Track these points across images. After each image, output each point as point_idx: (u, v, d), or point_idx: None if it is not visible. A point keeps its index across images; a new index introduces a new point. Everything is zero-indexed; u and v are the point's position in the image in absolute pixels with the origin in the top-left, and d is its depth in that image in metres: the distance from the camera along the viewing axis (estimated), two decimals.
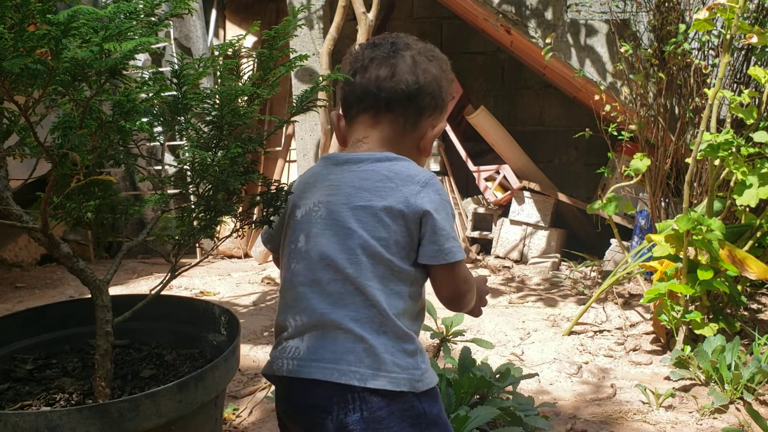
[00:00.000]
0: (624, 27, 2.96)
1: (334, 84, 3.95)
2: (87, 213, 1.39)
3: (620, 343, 2.46)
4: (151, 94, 1.37)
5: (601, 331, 2.60)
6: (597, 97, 2.83)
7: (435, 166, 4.03)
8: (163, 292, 1.51)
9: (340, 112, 1.12)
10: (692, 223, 2.10)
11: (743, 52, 2.72)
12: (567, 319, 2.72)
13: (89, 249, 3.87)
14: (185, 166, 1.46)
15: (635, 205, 3.30)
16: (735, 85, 2.74)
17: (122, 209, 1.47)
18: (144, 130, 1.43)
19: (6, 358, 1.52)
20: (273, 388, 2.04)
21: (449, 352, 1.96)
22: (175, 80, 1.40)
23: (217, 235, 1.61)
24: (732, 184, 2.28)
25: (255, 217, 1.72)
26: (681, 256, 2.22)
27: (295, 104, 1.65)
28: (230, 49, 1.51)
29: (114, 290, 1.60)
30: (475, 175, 4.02)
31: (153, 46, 1.13)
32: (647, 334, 2.53)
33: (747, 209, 2.31)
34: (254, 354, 2.38)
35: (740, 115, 2.16)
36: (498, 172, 3.95)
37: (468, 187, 4.41)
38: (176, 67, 1.40)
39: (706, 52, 2.74)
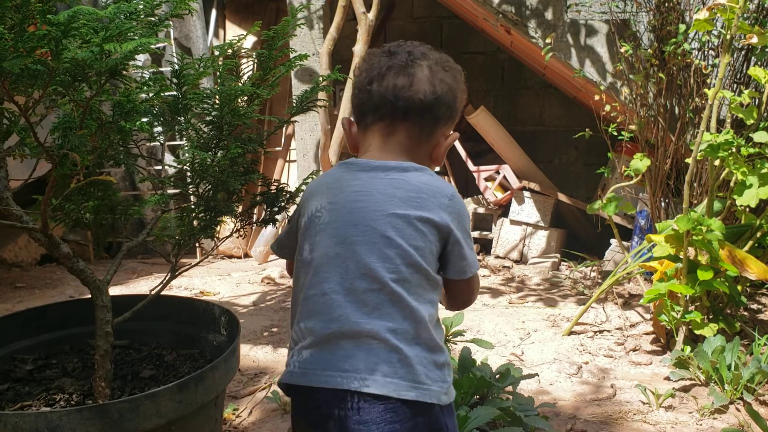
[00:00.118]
0: (624, 27, 2.96)
1: (335, 84, 3.96)
2: (86, 214, 1.39)
3: (620, 344, 2.46)
4: (151, 95, 1.37)
5: (601, 332, 2.60)
6: (597, 97, 2.83)
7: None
8: (163, 292, 1.51)
9: (352, 118, 1.11)
10: (692, 223, 2.10)
11: (743, 53, 2.72)
12: (567, 320, 2.72)
13: (89, 249, 3.87)
14: (185, 167, 1.46)
15: (635, 206, 3.30)
16: (735, 85, 2.74)
17: (122, 209, 1.47)
18: (144, 130, 1.43)
19: (6, 358, 1.51)
20: (273, 388, 2.04)
21: (449, 353, 1.96)
22: (175, 80, 1.40)
23: (218, 235, 1.61)
24: (732, 184, 2.28)
25: (255, 217, 1.72)
26: (681, 257, 2.22)
27: (295, 104, 1.65)
28: (230, 50, 1.51)
29: (114, 290, 1.60)
30: (475, 175, 4.02)
31: (153, 47, 1.13)
32: (647, 334, 2.53)
33: (747, 209, 2.31)
34: (254, 354, 2.38)
35: (740, 116, 2.16)
36: (498, 172, 3.95)
37: (468, 187, 4.41)
38: (176, 67, 1.40)
39: (706, 53, 2.74)
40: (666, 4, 2.71)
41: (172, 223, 1.55)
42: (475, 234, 3.99)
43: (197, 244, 3.55)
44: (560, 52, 3.07)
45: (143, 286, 3.34)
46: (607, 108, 2.76)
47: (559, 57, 3.07)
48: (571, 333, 2.56)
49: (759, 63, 2.64)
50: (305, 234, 1.05)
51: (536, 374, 2.11)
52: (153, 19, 1.28)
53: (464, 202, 1.13)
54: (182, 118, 1.46)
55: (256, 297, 3.11)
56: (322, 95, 2.66)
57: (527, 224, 3.90)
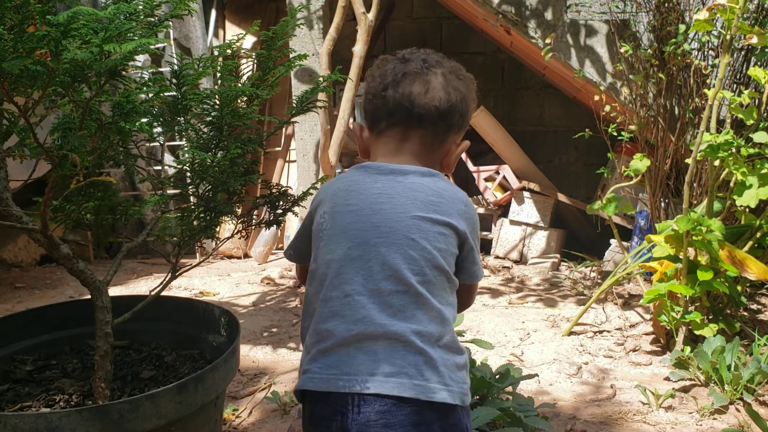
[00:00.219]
0: (624, 27, 2.96)
1: (335, 85, 3.95)
2: (86, 215, 1.39)
3: (620, 344, 2.46)
4: (150, 95, 1.37)
5: (600, 332, 2.60)
6: (597, 98, 2.83)
7: None
8: (162, 293, 1.51)
9: (363, 123, 1.12)
10: (692, 223, 2.10)
11: (743, 53, 2.72)
12: (567, 320, 2.72)
13: (89, 249, 3.87)
14: (185, 167, 1.45)
15: (635, 206, 3.30)
16: (735, 85, 2.73)
17: (122, 210, 1.47)
18: (144, 130, 1.43)
19: (6, 358, 1.51)
20: (273, 388, 2.04)
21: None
22: (174, 81, 1.40)
23: (218, 236, 1.61)
24: (732, 184, 2.28)
25: (256, 218, 1.72)
26: (681, 257, 2.22)
27: (295, 105, 1.65)
28: (229, 50, 1.51)
29: (113, 291, 1.60)
30: (475, 175, 4.02)
31: (153, 47, 1.13)
32: (647, 334, 2.53)
33: (747, 210, 2.31)
34: (254, 354, 2.38)
35: (740, 116, 2.16)
36: (498, 173, 3.95)
37: (468, 188, 4.41)
38: (176, 67, 1.40)
39: (705, 53, 2.74)
40: (666, 5, 2.71)
41: (172, 223, 1.55)
42: None
43: (197, 245, 3.55)
44: (560, 53, 3.07)
45: (143, 286, 3.34)
46: (607, 108, 2.76)
47: (559, 57, 3.07)
48: (570, 333, 2.56)
49: (759, 63, 2.64)
50: (323, 236, 1.04)
51: (536, 375, 2.11)
52: (152, 19, 1.28)
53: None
54: (182, 118, 1.46)
55: (256, 297, 3.11)
56: (321, 96, 2.66)
57: (527, 224, 3.90)
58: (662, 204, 2.91)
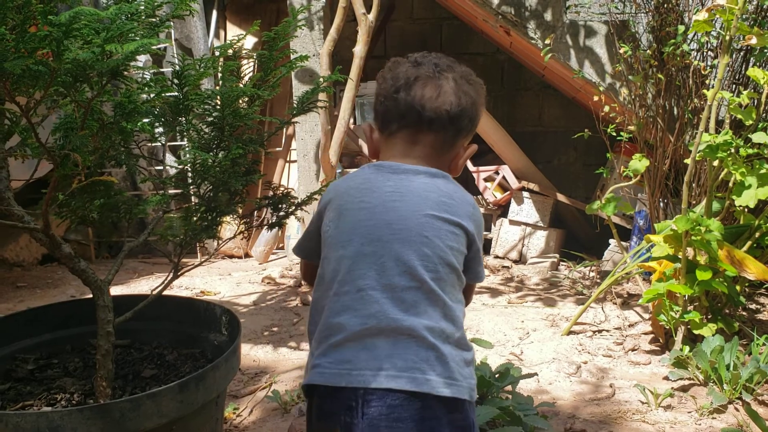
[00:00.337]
0: (623, 28, 2.96)
1: (335, 85, 3.96)
2: (92, 212, 1.39)
3: (619, 343, 2.47)
4: (152, 95, 1.37)
5: (599, 331, 2.60)
6: (596, 98, 2.83)
7: None
8: (164, 292, 1.52)
9: (373, 124, 1.13)
10: (691, 223, 2.11)
11: (742, 54, 2.73)
12: (566, 319, 2.72)
13: (90, 249, 3.87)
14: (187, 167, 1.46)
15: (634, 206, 3.30)
16: (734, 86, 2.74)
17: (125, 209, 1.48)
18: (145, 130, 1.44)
19: (7, 357, 1.52)
20: (274, 387, 2.05)
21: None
22: (176, 81, 1.41)
23: (220, 236, 1.62)
24: (731, 184, 2.28)
25: (258, 219, 1.72)
26: (680, 257, 2.22)
27: (296, 105, 1.66)
28: (230, 50, 1.52)
29: (115, 290, 1.61)
30: (475, 175, 4.02)
31: (154, 47, 1.14)
32: (646, 334, 2.54)
33: (746, 210, 2.32)
34: (255, 353, 2.38)
35: (739, 116, 2.16)
36: (497, 173, 3.95)
37: (467, 188, 4.39)
38: (177, 68, 1.41)
39: (704, 54, 2.74)
40: (665, 6, 2.72)
41: (176, 222, 1.56)
42: None
43: (198, 245, 3.55)
44: (559, 53, 3.08)
45: (144, 285, 3.34)
46: (606, 109, 2.76)
47: (559, 58, 3.08)
48: (570, 333, 2.57)
49: (758, 64, 2.65)
50: (334, 233, 1.05)
51: (535, 374, 2.12)
52: (154, 20, 1.28)
53: None
54: (183, 118, 1.47)
55: (257, 297, 3.12)
56: (322, 96, 2.66)
57: (526, 224, 3.90)
58: (661, 204, 2.91)
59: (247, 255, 4.16)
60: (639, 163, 2.57)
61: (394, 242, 1.00)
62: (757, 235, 2.31)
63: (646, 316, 2.71)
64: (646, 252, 2.54)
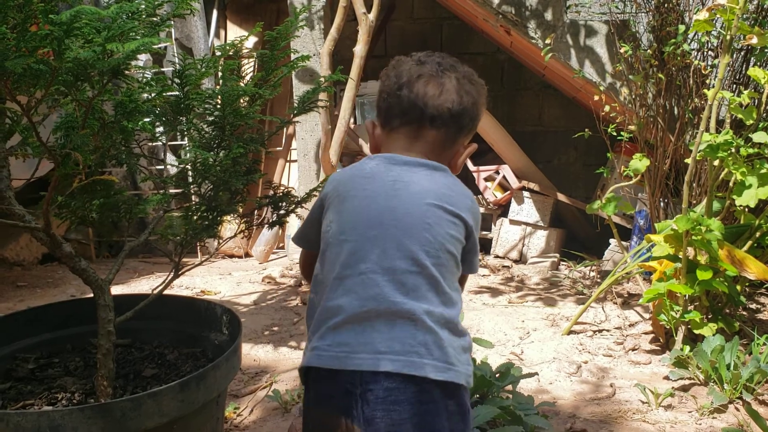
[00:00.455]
0: (623, 28, 2.96)
1: (335, 84, 3.96)
2: (91, 212, 1.39)
3: (619, 343, 2.47)
4: (153, 95, 1.37)
5: (600, 331, 2.60)
6: (596, 98, 2.83)
7: None
8: (164, 292, 1.52)
9: (375, 121, 1.15)
10: (691, 223, 2.11)
11: (743, 53, 2.73)
12: (566, 319, 2.72)
13: (90, 248, 3.87)
14: (187, 166, 1.46)
15: (634, 206, 3.30)
16: (734, 85, 2.74)
17: (126, 209, 1.48)
18: (146, 130, 1.44)
19: (8, 357, 1.52)
20: (274, 387, 2.05)
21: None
22: (177, 80, 1.41)
23: (220, 235, 1.62)
24: (731, 184, 2.28)
25: (259, 218, 1.72)
26: (680, 256, 2.22)
27: (296, 104, 1.66)
28: (232, 50, 1.52)
29: (115, 289, 1.61)
30: (475, 175, 4.02)
31: (155, 47, 1.14)
32: (646, 333, 2.54)
33: (746, 209, 2.32)
34: (255, 353, 2.38)
35: (739, 116, 2.16)
36: (497, 172, 3.95)
37: (467, 187, 4.42)
38: (178, 67, 1.41)
39: (705, 53, 2.74)
40: (665, 5, 2.72)
41: (176, 222, 1.56)
42: None
43: (199, 244, 3.56)
44: (560, 53, 3.08)
45: (144, 285, 3.35)
46: (607, 108, 2.76)
47: (559, 57, 3.08)
48: (570, 332, 2.57)
49: (758, 63, 2.65)
50: (336, 218, 1.06)
51: (536, 373, 2.12)
52: (155, 19, 1.28)
53: None
54: (184, 118, 1.47)
55: (257, 296, 3.11)
56: (323, 96, 2.66)
57: (527, 224, 3.90)
58: (661, 204, 2.91)
59: (247, 254, 4.16)
60: (639, 162, 2.57)
61: (397, 227, 1.02)
62: (757, 234, 2.31)
63: (647, 315, 2.71)
64: (647, 252, 2.54)
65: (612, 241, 3.50)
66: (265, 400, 1.98)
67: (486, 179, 4.00)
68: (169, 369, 1.51)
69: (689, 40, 2.62)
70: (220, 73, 1.54)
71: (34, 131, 1.16)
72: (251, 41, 4.28)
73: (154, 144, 3.65)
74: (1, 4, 1.05)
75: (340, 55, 3.56)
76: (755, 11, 2.56)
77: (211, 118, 1.50)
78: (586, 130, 2.95)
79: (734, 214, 2.43)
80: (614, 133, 2.82)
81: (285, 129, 4.26)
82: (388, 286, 0.99)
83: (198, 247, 3.91)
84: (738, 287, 2.33)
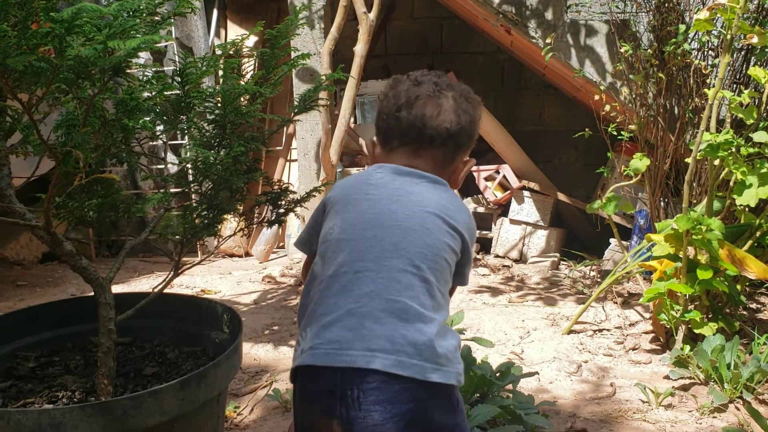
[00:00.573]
0: (624, 27, 2.96)
1: (336, 84, 3.96)
2: (89, 212, 1.39)
3: (620, 342, 2.47)
4: (154, 93, 1.37)
5: (600, 330, 2.60)
6: (597, 97, 2.83)
7: None
8: (164, 291, 1.52)
9: (375, 140, 1.19)
10: (692, 222, 2.11)
11: (743, 53, 2.73)
12: (566, 318, 2.72)
13: (91, 248, 3.87)
14: (188, 165, 1.46)
15: (634, 205, 3.30)
16: (735, 85, 2.74)
17: (125, 208, 1.48)
18: (147, 128, 1.44)
19: (8, 356, 1.52)
20: (274, 386, 2.04)
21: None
22: (178, 79, 1.41)
23: (220, 234, 1.62)
24: (731, 184, 2.28)
25: (258, 217, 1.72)
26: (680, 256, 2.22)
27: (297, 103, 1.66)
28: (232, 49, 1.52)
29: (115, 288, 1.60)
30: (475, 174, 4.02)
31: (156, 45, 1.14)
32: (646, 333, 2.54)
33: (746, 209, 2.32)
34: (255, 352, 2.38)
35: (740, 115, 2.16)
36: (498, 172, 3.95)
37: (468, 187, 4.42)
38: (179, 66, 1.41)
39: (705, 53, 2.74)
40: (666, 5, 2.72)
41: (175, 221, 1.56)
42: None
43: (199, 243, 3.56)
44: (560, 52, 3.08)
45: (145, 284, 3.34)
46: (607, 108, 2.76)
47: (559, 57, 3.08)
48: (570, 332, 2.57)
49: (759, 63, 2.65)
50: (338, 220, 1.08)
51: (536, 373, 2.12)
52: (156, 17, 1.28)
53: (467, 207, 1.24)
54: (185, 116, 1.47)
55: (257, 295, 3.11)
56: (323, 95, 2.67)
57: (527, 223, 3.90)
58: (662, 203, 2.91)
59: (247, 254, 4.15)
60: (640, 162, 2.57)
61: (396, 228, 1.04)
62: (757, 234, 2.31)
63: (647, 315, 2.71)
64: (647, 251, 2.54)
65: (612, 240, 3.51)
66: (265, 399, 1.98)
67: (486, 179, 4.00)
68: (170, 367, 1.51)
69: (690, 40, 2.62)
70: (220, 72, 1.54)
71: (35, 129, 1.16)
72: (252, 40, 4.28)
73: (154, 143, 3.65)
74: (3, 2, 1.05)
75: (340, 55, 3.56)
76: (756, 11, 2.56)
77: (211, 117, 1.50)
78: (587, 129, 2.95)
79: (734, 213, 2.43)
80: (614, 133, 2.82)
81: (285, 128, 4.26)
82: (382, 284, 1.01)
83: (198, 246, 3.91)
84: (738, 287, 2.33)
